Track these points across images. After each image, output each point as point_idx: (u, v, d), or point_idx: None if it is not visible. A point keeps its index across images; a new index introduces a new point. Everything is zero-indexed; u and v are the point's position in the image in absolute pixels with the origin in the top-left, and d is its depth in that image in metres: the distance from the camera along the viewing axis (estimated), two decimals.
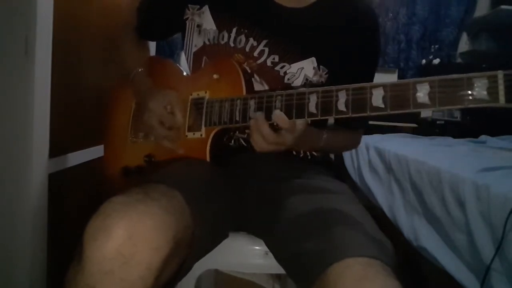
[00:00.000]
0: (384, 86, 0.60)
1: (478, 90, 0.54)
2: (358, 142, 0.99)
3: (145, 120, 0.82)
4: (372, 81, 0.89)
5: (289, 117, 0.69)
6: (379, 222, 0.69)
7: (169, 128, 0.81)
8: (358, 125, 0.96)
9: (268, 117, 0.69)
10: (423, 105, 0.58)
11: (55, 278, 1.06)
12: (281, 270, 0.69)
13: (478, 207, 1.05)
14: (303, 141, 0.73)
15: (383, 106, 0.60)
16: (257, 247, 0.77)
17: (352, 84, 0.63)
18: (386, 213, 1.65)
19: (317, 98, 0.66)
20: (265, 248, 0.74)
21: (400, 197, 1.57)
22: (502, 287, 0.92)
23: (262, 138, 0.69)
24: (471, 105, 0.55)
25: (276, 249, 0.71)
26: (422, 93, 0.58)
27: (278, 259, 0.70)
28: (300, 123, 0.68)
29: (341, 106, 0.64)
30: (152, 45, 1.40)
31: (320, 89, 0.66)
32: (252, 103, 0.74)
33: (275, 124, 0.69)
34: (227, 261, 0.80)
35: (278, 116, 0.67)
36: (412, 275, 1.42)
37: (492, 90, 0.53)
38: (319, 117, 0.66)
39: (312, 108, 0.67)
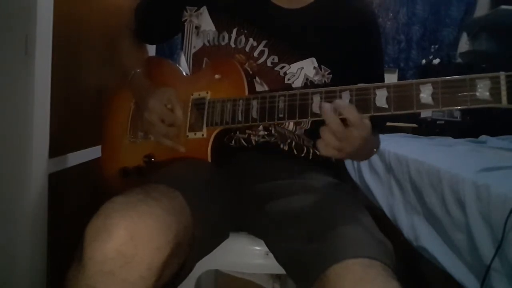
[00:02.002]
0: (387, 86, 0.61)
1: (480, 91, 0.55)
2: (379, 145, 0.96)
3: (145, 118, 0.82)
4: (383, 80, 0.88)
5: (292, 117, 0.69)
6: (379, 222, 0.69)
7: (169, 126, 0.81)
8: (381, 126, 0.94)
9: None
10: (427, 106, 0.59)
11: (55, 278, 1.06)
12: (281, 270, 0.69)
13: (478, 207, 1.05)
14: (365, 146, 0.68)
15: (386, 106, 0.61)
16: (257, 247, 0.77)
17: (356, 85, 0.64)
18: (386, 213, 1.65)
19: (321, 98, 0.66)
20: (265, 248, 0.74)
21: (400, 197, 1.57)
22: (502, 287, 0.92)
23: (332, 135, 0.62)
24: (474, 106, 0.56)
25: (276, 249, 0.71)
26: (426, 94, 0.58)
27: (278, 260, 0.70)
28: (367, 121, 0.63)
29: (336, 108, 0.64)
30: (152, 45, 1.40)
31: (323, 89, 0.66)
32: (254, 103, 0.74)
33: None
34: (228, 262, 0.80)
35: (343, 105, 0.61)
36: (412, 275, 1.42)
37: (494, 91, 0.54)
38: (322, 118, 0.66)
39: (315, 108, 0.67)
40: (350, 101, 0.64)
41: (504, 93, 0.53)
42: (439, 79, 0.58)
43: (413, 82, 0.59)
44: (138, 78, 0.91)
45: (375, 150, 0.80)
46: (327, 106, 0.62)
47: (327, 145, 0.63)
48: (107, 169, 0.98)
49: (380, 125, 0.91)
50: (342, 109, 0.61)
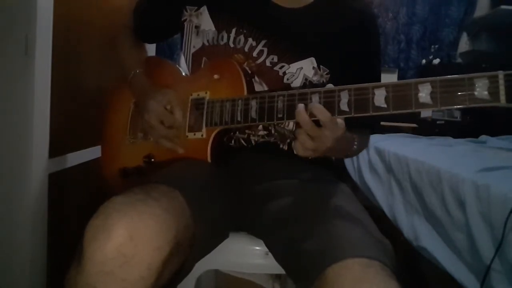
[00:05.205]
0: (386, 86, 0.61)
1: (479, 90, 0.55)
2: (368, 144, 0.97)
3: (144, 119, 0.82)
4: (379, 81, 0.88)
5: (291, 117, 0.69)
6: (379, 222, 0.69)
7: (169, 127, 0.81)
8: (374, 126, 0.94)
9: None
10: (425, 105, 0.59)
11: (55, 278, 1.06)
12: (281, 270, 0.69)
13: (478, 207, 1.05)
14: (340, 145, 0.70)
15: (385, 106, 0.61)
16: (257, 247, 0.77)
17: (355, 84, 0.64)
18: (386, 213, 1.65)
19: (320, 98, 0.66)
20: (265, 248, 0.74)
21: (400, 197, 1.57)
22: (502, 287, 0.92)
23: (308, 137, 0.64)
24: (472, 105, 0.56)
25: (276, 249, 0.71)
26: (424, 93, 0.58)
27: (278, 259, 0.70)
28: (340, 121, 0.65)
29: (344, 106, 0.64)
30: (152, 45, 1.40)
31: (322, 89, 0.67)
32: (253, 103, 0.74)
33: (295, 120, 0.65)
34: (227, 261, 0.80)
35: (318, 108, 0.63)
36: (412, 275, 1.42)
37: (493, 90, 0.54)
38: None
39: None
40: (349, 101, 0.64)
41: (502, 92, 0.53)
42: (437, 78, 0.58)
43: (411, 81, 0.60)
44: (138, 78, 0.91)
45: (354, 148, 0.80)
46: (300, 107, 0.64)
47: (303, 146, 0.65)
48: (107, 170, 0.98)
49: (372, 126, 0.92)
50: (313, 109, 0.64)
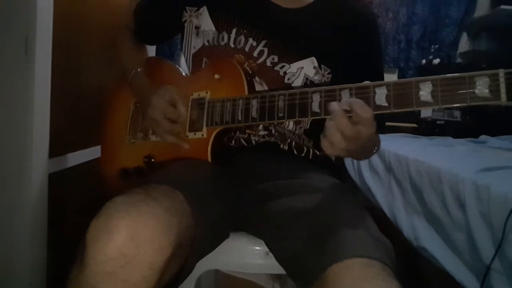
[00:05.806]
0: (387, 85, 0.61)
1: (480, 89, 0.55)
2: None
3: (148, 115, 0.82)
4: (382, 79, 0.87)
5: (292, 117, 0.69)
6: (379, 222, 0.69)
7: (172, 122, 0.81)
8: (381, 125, 0.93)
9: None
10: (426, 104, 0.59)
11: (55, 278, 1.06)
12: (281, 270, 0.69)
13: (478, 207, 1.05)
14: (368, 145, 0.67)
15: (386, 104, 0.61)
16: (257, 247, 0.77)
17: (355, 83, 0.64)
18: (386, 213, 1.65)
19: (321, 97, 0.66)
20: (266, 248, 0.74)
21: (400, 197, 1.57)
22: (502, 287, 0.93)
23: (340, 134, 0.60)
24: (473, 103, 0.56)
25: (276, 249, 0.71)
26: (425, 92, 0.59)
27: (278, 259, 0.70)
28: (373, 120, 0.62)
29: (345, 106, 0.64)
30: (152, 46, 1.40)
31: (323, 88, 0.67)
32: (254, 102, 0.74)
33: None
34: (228, 261, 0.80)
35: (359, 103, 0.59)
36: (412, 275, 1.42)
37: (493, 88, 0.54)
38: (322, 116, 0.67)
39: (315, 107, 0.67)
40: None
41: (503, 90, 0.54)
42: (438, 76, 0.58)
43: (412, 80, 0.60)
44: (139, 77, 0.91)
45: (375, 149, 0.80)
46: (333, 104, 0.60)
47: (333, 145, 0.61)
48: (107, 170, 0.98)
49: (380, 125, 0.91)
50: (353, 104, 0.59)
